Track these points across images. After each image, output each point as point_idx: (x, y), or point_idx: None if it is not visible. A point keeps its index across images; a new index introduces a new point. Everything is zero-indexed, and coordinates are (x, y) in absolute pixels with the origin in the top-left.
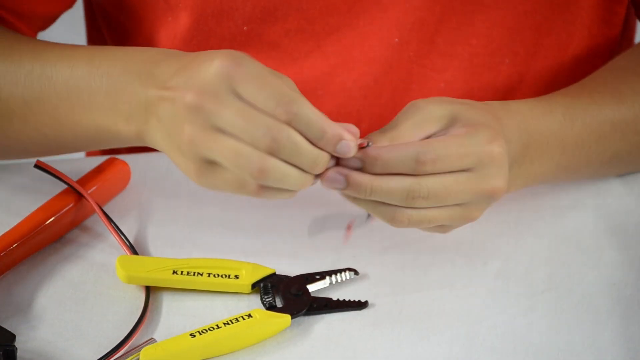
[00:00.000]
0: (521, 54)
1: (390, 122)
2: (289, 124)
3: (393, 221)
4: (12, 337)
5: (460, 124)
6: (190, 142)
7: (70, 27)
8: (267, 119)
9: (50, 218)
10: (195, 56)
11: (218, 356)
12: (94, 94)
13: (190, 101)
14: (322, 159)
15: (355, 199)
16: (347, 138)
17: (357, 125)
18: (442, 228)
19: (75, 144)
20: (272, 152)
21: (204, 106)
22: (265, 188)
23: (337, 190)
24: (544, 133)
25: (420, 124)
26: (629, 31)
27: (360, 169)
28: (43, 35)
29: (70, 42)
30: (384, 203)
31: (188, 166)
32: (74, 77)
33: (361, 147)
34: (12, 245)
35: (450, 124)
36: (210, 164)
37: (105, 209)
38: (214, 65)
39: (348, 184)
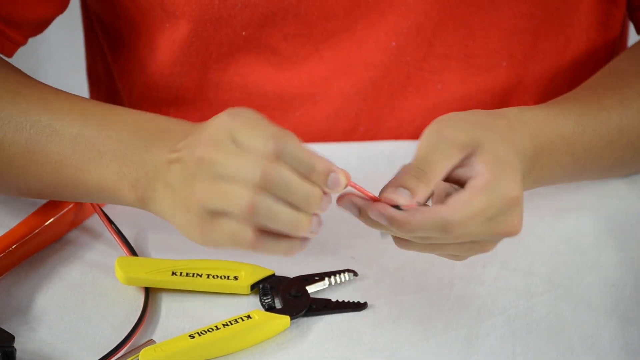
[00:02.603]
0: (519, 57)
1: (417, 154)
2: (279, 161)
3: (403, 247)
4: (11, 338)
5: (482, 161)
6: (200, 197)
7: (68, 31)
8: (256, 157)
9: (50, 219)
10: (204, 123)
11: (217, 357)
12: (101, 155)
13: (198, 156)
14: (315, 195)
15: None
16: (337, 171)
17: (355, 129)
18: (455, 257)
19: (75, 196)
20: (264, 189)
21: (206, 158)
22: (261, 239)
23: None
24: (555, 141)
25: (446, 155)
26: (626, 34)
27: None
28: (42, 38)
29: (67, 46)
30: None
31: (194, 224)
32: (82, 135)
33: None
34: (11, 247)
35: (472, 152)
36: (212, 216)
37: (104, 210)
38: (218, 120)
39: (361, 215)
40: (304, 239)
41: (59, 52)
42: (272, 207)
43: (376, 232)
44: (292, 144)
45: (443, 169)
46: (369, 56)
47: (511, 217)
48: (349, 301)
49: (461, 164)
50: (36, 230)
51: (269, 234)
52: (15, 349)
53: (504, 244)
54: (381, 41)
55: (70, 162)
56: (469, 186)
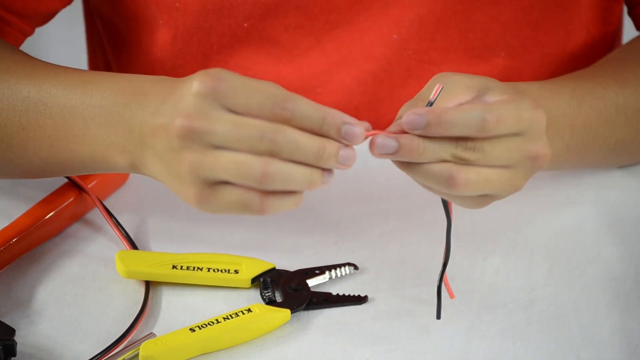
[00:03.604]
0: (517, 49)
1: (418, 94)
2: (289, 122)
3: (450, 182)
4: (12, 331)
5: (497, 92)
6: (191, 168)
7: (69, 27)
8: (260, 123)
9: (51, 212)
10: (180, 81)
11: (218, 351)
12: (87, 124)
13: (181, 127)
14: (328, 148)
15: (407, 167)
16: (351, 122)
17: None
18: (485, 199)
19: (73, 170)
20: (273, 154)
21: (195, 128)
22: (268, 202)
23: (388, 158)
24: (553, 112)
25: (451, 93)
26: (620, 30)
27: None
28: (44, 32)
29: (68, 42)
30: (438, 163)
31: (189, 192)
32: (68, 106)
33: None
34: (11, 240)
35: (483, 92)
36: (212, 186)
37: (105, 203)
38: (194, 86)
39: (400, 147)
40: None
41: (60, 49)
42: (287, 171)
43: (377, 225)
44: (299, 101)
45: (444, 103)
46: (370, 49)
47: (538, 139)
48: (349, 295)
49: (476, 101)
50: (37, 224)
51: (274, 194)
52: (16, 342)
53: (504, 239)
54: (383, 34)
55: (62, 134)
56: (494, 99)
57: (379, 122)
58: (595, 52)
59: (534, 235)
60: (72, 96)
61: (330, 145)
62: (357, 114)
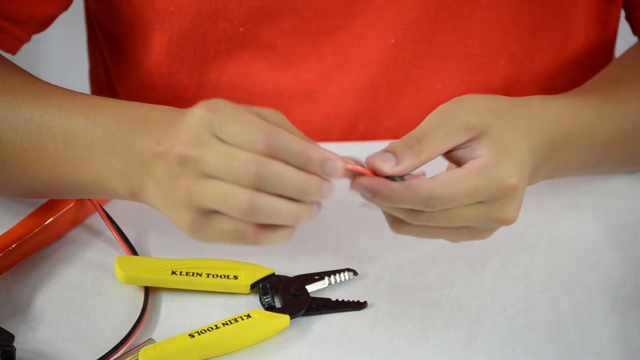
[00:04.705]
0: (518, 55)
1: (421, 125)
2: (272, 156)
3: (397, 231)
4: (11, 337)
5: (484, 145)
6: (185, 195)
7: (69, 30)
8: (247, 156)
9: (50, 218)
10: (183, 111)
11: (217, 356)
12: (90, 149)
13: (178, 153)
14: (312, 184)
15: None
16: (333, 159)
17: (354, 126)
18: (452, 239)
19: (73, 193)
20: (259, 187)
21: (190, 156)
22: (262, 233)
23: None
24: (575, 133)
25: (450, 132)
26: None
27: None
28: (45, 37)
29: (68, 46)
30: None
31: (183, 219)
32: (71, 130)
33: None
34: (11, 246)
35: (478, 136)
36: (206, 215)
37: (105, 208)
38: (195, 115)
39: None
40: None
41: (59, 52)
42: (272, 205)
43: (376, 231)
44: (284, 137)
45: (440, 146)
46: (367, 53)
47: (507, 205)
48: (348, 300)
49: (464, 146)
50: (36, 229)
51: (268, 227)
52: (15, 348)
53: (503, 244)
54: (380, 38)
55: (64, 158)
56: (465, 166)
57: (378, 129)
58: (595, 57)
59: (533, 241)
60: (76, 121)
61: (315, 180)
62: (356, 121)
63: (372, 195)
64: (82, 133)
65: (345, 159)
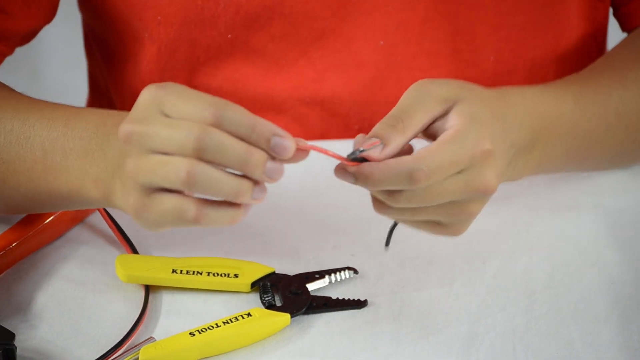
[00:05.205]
0: (506, 52)
1: (398, 105)
2: (219, 127)
3: (381, 212)
4: (12, 335)
5: (455, 114)
6: (131, 173)
7: (68, 30)
8: (189, 124)
9: (51, 216)
10: None
11: (217, 355)
12: (66, 156)
13: (124, 131)
14: (254, 157)
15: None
16: (282, 135)
17: (348, 129)
18: (443, 228)
19: (52, 205)
20: (199, 155)
21: (134, 131)
22: (204, 209)
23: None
24: (555, 118)
25: (426, 106)
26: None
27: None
28: (39, 39)
29: (67, 46)
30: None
31: (129, 203)
32: (49, 138)
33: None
34: (12, 244)
35: (451, 107)
36: (148, 194)
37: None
38: (143, 94)
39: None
40: (246, 206)
41: (59, 52)
42: (211, 174)
43: (376, 230)
44: (230, 108)
45: (421, 120)
46: (357, 56)
47: (484, 172)
48: (349, 299)
49: (439, 119)
50: (37, 228)
51: (211, 204)
52: (16, 347)
53: (503, 243)
54: (369, 40)
55: (41, 167)
56: (439, 138)
57: (371, 128)
58: (585, 54)
59: (533, 239)
60: (55, 129)
61: (258, 154)
62: (349, 122)
63: (355, 179)
64: (60, 140)
65: (297, 139)
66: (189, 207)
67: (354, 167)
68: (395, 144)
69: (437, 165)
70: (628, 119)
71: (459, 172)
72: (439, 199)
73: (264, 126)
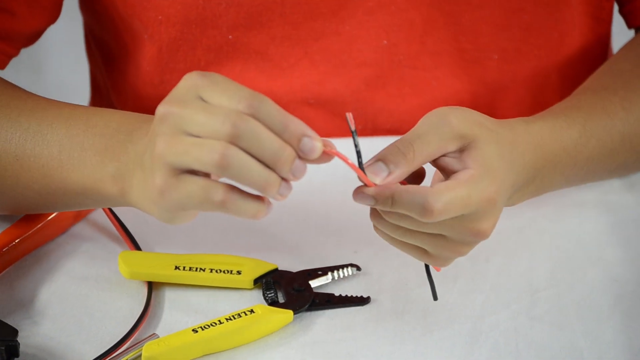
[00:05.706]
0: (510, 51)
1: (414, 129)
2: (252, 117)
3: (378, 232)
4: (15, 332)
5: (472, 157)
6: (160, 152)
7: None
8: (226, 110)
9: (54, 212)
10: None
11: (220, 352)
12: (84, 150)
13: (161, 112)
14: (286, 153)
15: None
16: (312, 136)
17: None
18: (429, 257)
19: (66, 203)
20: (234, 141)
21: (171, 112)
22: (231, 196)
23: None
24: (558, 154)
25: (443, 139)
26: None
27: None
28: (40, 39)
29: (68, 46)
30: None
31: (154, 184)
32: (68, 135)
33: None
34: (14, 240)
35: (467, 146)
36: (176, 175)
37: None
38: (183, 79)
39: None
40: (269, 203)
41: (62, 52)
42: (244, 160)
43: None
44: (267, 102)
45: (433, 153)
46: (360, 56)
47: (484, 218)
48: (352, 295)
49: (452, 155)
50: (40, 224)
51: (239, 192)
52: (19, 343)
53: (506, 241)
54: (372, 40)
55: (57, 163)
56: (454, 177)
57: (376, 130)
58: (589, 53)
59: (536, 237)
60: (75, 126)
61: (289, 150)
62: (354, 121)
63: (375, 201)
64: (80, 137)
65: (324, 141)
66: (217, 190)
67: (374, 189)
68: (400, 172)
69: (451, 202)
70: (632, 141)
71: (462, 215)
72: (434, 229)
73: (297, 125)
